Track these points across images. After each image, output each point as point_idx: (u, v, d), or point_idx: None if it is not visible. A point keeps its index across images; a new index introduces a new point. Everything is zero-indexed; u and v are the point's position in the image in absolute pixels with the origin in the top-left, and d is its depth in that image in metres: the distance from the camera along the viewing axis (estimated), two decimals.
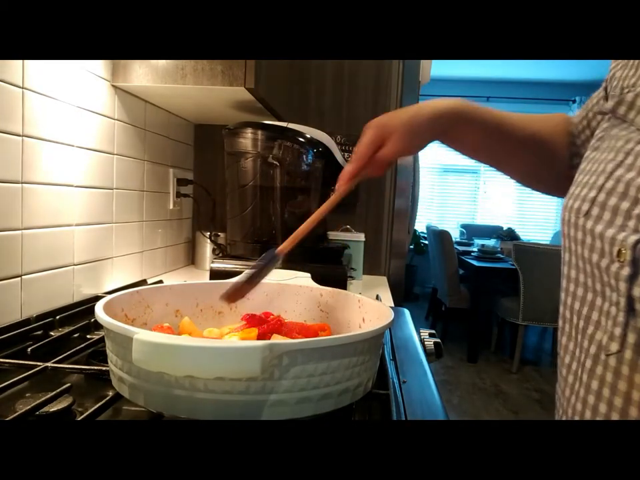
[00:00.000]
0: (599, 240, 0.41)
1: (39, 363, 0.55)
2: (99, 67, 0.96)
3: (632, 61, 0.46)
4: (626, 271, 0.38)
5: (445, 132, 0.58)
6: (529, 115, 0.64)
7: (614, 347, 0.39)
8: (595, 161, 0.45)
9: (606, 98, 0.53)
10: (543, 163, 0.63)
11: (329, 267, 1.07)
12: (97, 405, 0.45)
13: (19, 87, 0.74)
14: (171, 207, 1.35)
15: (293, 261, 1.08)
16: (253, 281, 0.57)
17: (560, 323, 0.49)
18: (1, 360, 0.56)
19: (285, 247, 0.58)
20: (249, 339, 0.52)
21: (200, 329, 0.60)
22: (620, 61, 0.48)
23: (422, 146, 0.59)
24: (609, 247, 0.40)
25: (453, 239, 3.70)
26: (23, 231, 0.77)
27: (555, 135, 0.62)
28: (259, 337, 0.53)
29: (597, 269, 0.42)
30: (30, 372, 0.53)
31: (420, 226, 4.97)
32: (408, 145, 0.56)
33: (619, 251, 0.39)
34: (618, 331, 0.39)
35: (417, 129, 0.56)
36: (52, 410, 0.46)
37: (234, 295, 0.58)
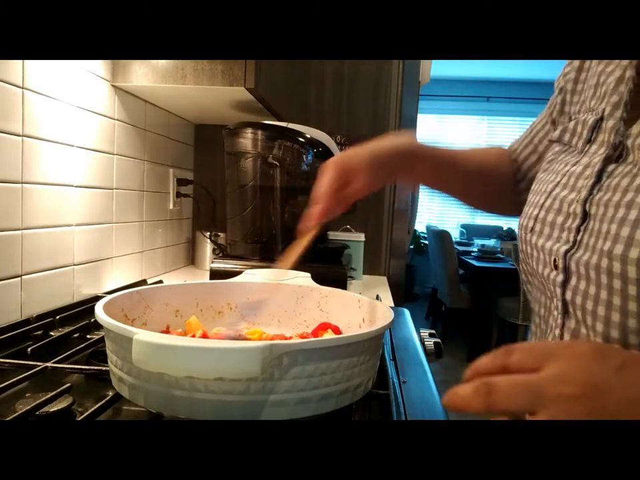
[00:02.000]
0: (541, 252, 0.46)
1: (38, 363, 0.55)
2: (98, 66, 0.96)
3: (578, 87, 0.52)
4: (560, 278, 0.43)
5: (400, 168, 0.59)
6: (474, 150, 0.68)
7: None
8: (541, 182, 0.51)
9: (553, 122, 0.59)
10: (492, 190, 0.68)
11: (329, 267, 1.07)
12: (97, 405, 0.45)
13: (19, 87, 0.74)
14: (171, 207, 1.35)
15: None
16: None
17: (532, 327, 0.53)
18: (1, 360, 0.56)
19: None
20: (253, 339, 0.52)
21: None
22: (566, 86, 0.55)
23: (386, 181, 0.60)
24: (548, 258, 0.45)
25: (453, 239, 3.70)
26: (23, 231, 0.77)
27: (499, 165, 0.66)
28: None
29: (542, 278, 0.47)
30: (30, 372, 0.53)
31: (420, 226, 4.97)
32: (375, 179, 0.56)
33: (555, 261, 0.44)
34: (557, 332, 0.44)
35: (381, 164, 0.56)
36: (52, 410, 0.46)
37: None
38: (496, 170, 0.66)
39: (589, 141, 0.46)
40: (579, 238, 0.42)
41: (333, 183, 0.55)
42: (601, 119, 0.45)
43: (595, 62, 0.50)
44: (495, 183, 0.67)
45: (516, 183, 0.66)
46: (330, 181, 0.55)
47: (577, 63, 0.54)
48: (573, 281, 0.42)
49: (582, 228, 0.42)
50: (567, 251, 0.43)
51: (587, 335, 0.41)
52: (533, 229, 0.48)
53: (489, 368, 0.30)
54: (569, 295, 0.43)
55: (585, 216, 0.42)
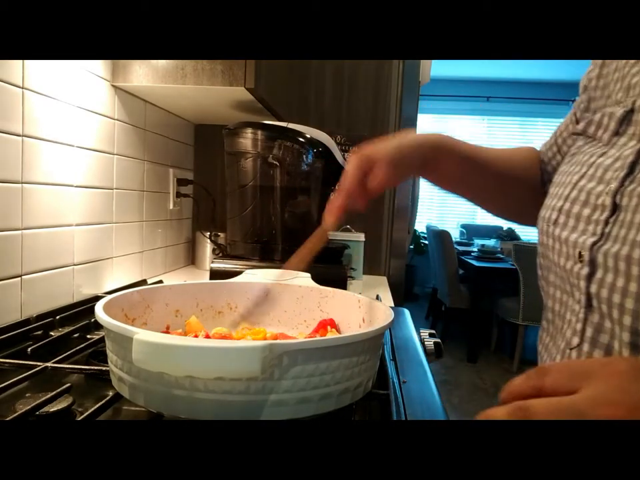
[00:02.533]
0: (564, 245, 0.45)
1: (38, 363, 0.55)
2: (98, 67, 0.96)
3: (600, 82, 0.51)
4: (585, 271, 0.42)
5: (425, 163, 0.58)
6: (504, 149, 0.66)
7: (575, 340, 0.44)
8: (564, 174, 0.50)
9: (577, 122, 0.58)
10: (517, 194, 0.66)
11: (329, 267, 1.07)
12: (97, 405, 0.45)
13: (19, 87, 0.74)
14: (171, 207, 1.35)
15: None
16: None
17: (544, 323, 0.53)
18: (1, 360, 0.56)
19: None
20: (258, 339, 0.52)
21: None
22: (590, 84, 0.54)
23: (406, 176, 0.59)
24: (572, 250, 0.44)
25: (453, 239, 3.70)
26: (23, 231, 0.77)
27: (527, 167, 0.65)
28: None
29: (564, 271, 0.46)
30: (30, 372, 0.53)
31: (420, 226, 4.97)
32: (393, 174, 0.55)
33: (580, 253, 0.43)
34: (579, 326, 0.44)
35: (402, 159, 0.55)
36: (52, 410, 0.46)
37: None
38: (524, 171, 0.65)
39: (617, 133, 0.45)
40: (607, 230, 0.42)
41: (355, 174, 0.54)
42: (631, 110, 0.44)
43: None
44: (521, 185, 0.65)
45: (542, 187, 0.64)
46: (353, 171, 0.54)
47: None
48: (599, 274, 0.41)
49: (611, 220, 0.42)
50: (593, 243, 0.42)
51: (612, 329, 0.41)
52: (556, 221, 0.47)
53: (523, 390, 0.29)
54: (593, 288, 0.42)
55: (615, 208, 0.41)
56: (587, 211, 0.44)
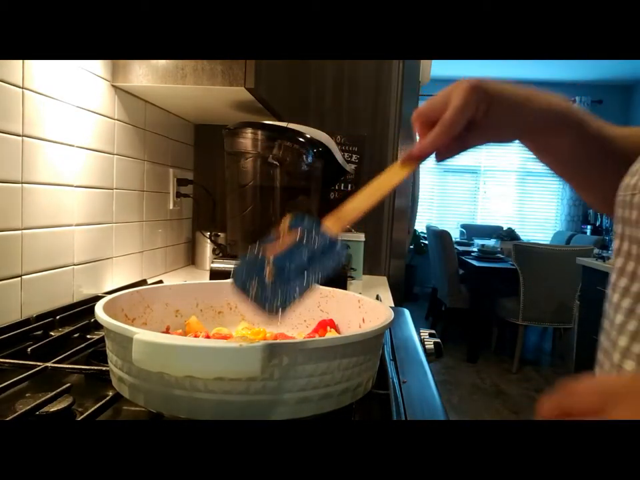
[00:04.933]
0: None
1: (38, 363, 0.55)
2: (98, 67, 0.96)
3: None
4: None
5: (545, 130, 0.48)
6: (628, 130, 0.53)
7: None
8: None
9: None
10: None
11: None
12: (97, 405, 0.45)
13: (19, 87, 0.74)
14: (171, 206, 1.35)
15: None
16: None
17: (606, 324, 0.43)
18: (1, 360, 0.56)
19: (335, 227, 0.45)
20: (258, 339, 0.52)
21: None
22: None
23: (522, 135, 0.49)
24: None
25: (453, 239, 3.70)
26: (23, 231, 0.77)
27: None
28: None
29: None
30: (30, 372, 0.53)
31: (420, 226, 4.97)
32: (509, 128, 0.46)
33: None
34: None
35: (527, 115, 0.46)
36: (52, 410, 0.46)
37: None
38: None
39: None
40: None
41: (465, 110, 0.43)
42: None
43: None
44: None
45: None
46: (461, 105, 0.43)
47: None
48: None
49: None
50: None
51: None
52: None
53: (552, 413, 0.28)
54: None
55: None
56: None
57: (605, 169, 0.51)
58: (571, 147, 0.49)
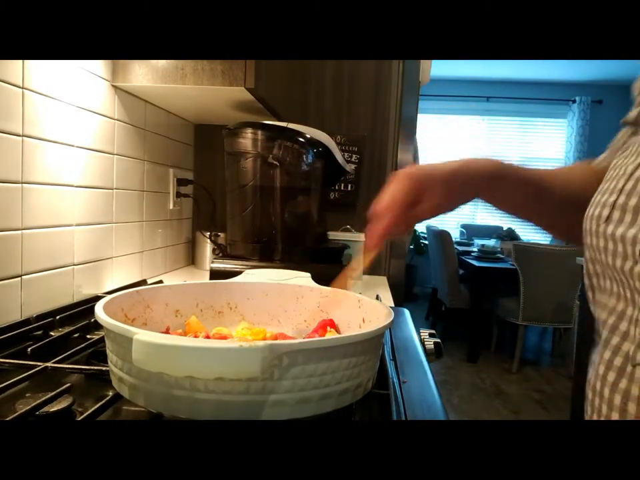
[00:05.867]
0: (620, 243, 0.40)
1: (38, 363, 0.55)
2: (98, 67, 0.96)
3: None
4: None
5: (480, 190, 0.55)
6: (561, 169, 0.61)
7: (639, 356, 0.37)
8: (616, 167, 0.45)
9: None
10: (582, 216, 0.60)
11: (329, 267, 1.07)
12: (97, 405, 0.45)
13: (19, 87, 0.74)
14: (171, 206, 1.35)
15: (293, 261, 1.08)
16: None
17: (597, 338, 0.46)
18: (1, 360, 0.56)
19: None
20: (258, 339, 0.52)
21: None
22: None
23: (462, 203, 0.55)
24: (631, 249, 0.38)
25: (453, 239, 3.70)
26: (23, 231, 0.77)
27: (586, 186, 0.59)
28: None
29: (622, 274, 0.40)
30: (30, 372, 0.53)
31: (420, 226, 4.97)
32: (448, 202, 0.51)
33: None
34: None
35: (458, 187, 0.52)
36: (52, 410, 0.46)
37: None
38: (584, 191, 0.59)
39: None
40: None
41: (405, 197, 0.49)
42: None
43: None
44: (582, 207, 0.60)
45: None
46: (401, 194, 0.49)
47: None
48: None
49: None
50: None
51: None
52: (609, 217, 0.42)
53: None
54: None
55: None
56: None
57: (550, 212, 0.59)
58: (515, 196, 0.56)
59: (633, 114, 0.47)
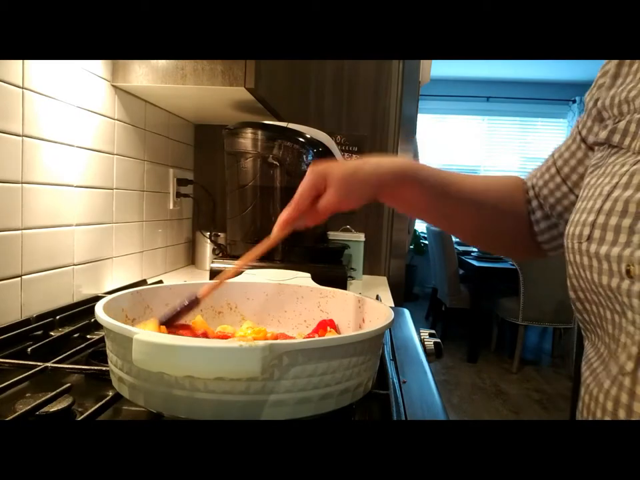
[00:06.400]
0: (605, 261, 0.41)
1: (38, 363, 0.55)
2: (98, 66, 0.96)
3: (618, 81, 0.48)
4: (637, 287, 0.37)
5: (387, 191, 0.56)
6: (483, 177, 0.62)
7: (629, 366, 0.38)
8: (592, 187, 0.46)
9: (582, 140, 0.55)
10: (503, 229, 0.62)
11: (329, 267, 1.07)
12: (97, 405, 0.45)
13: (19, 87, 0.74)
14: (171, 206, 1.35)
15: (293, 261, 1.08)
16: (169, 322, 0.54)
17: (587, 347, 0.47)
18: (1, 360, 0.56)
19: (205, 292, 0.56)
20: (258, 339, 0.52)
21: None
22: (601, 94, 0.50)
23: (360, 201, 0.56)
24: (616, 266, 0.40)
25: (453, 239, 3.70)
26: (23, 231, 0.77)
27: (513, 200, 0.61)
28: None
29: (609, 290, 0.41)
30: (30, 372, 0.53)
31: (420, 226, 4.97)
32: (345, 198, 0.53)
33: (628, 268, 0.38)
34: (634, 350, 0.38)
35: (355, 185, 0.54)
36: (52, 410, 0.46)
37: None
38: (509, 204, 0.61)
39: None
40: None
41: (307, 191, 0.53)
42: None
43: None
44: (507, 220, 0.61)
45: (533, 223, 0.61)
46: (305, 188, 0.53)
47: (612, 64, 0.50)
48: None
49: None
50: None
51: None
52: (590, 236, 0.43)
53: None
54: None
55: None
56: (627, 221, 0.40)
57: (465, 219, 0.61)
58: (421, 198, 0.57)
59: (602, 135, 0.48)
